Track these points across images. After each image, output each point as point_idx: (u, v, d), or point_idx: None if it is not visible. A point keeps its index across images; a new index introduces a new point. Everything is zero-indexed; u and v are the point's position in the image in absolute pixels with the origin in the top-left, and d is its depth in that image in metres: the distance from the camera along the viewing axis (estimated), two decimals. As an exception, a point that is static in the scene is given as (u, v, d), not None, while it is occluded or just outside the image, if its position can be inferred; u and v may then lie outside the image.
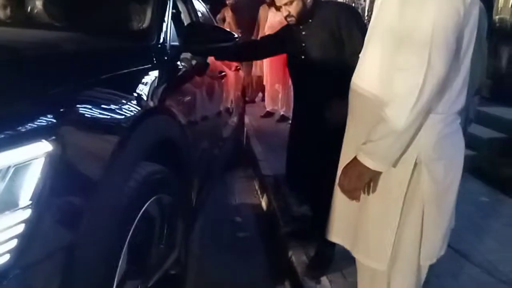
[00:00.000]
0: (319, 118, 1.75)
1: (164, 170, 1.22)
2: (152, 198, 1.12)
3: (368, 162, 1.03)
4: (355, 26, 1.68)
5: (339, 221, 1.24)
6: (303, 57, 1.77)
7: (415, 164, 1.06)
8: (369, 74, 1.11)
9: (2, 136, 0.69)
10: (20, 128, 0.72)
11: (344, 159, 1.17)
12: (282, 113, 4.56)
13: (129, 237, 0.97)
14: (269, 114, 4.76)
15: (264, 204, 2.76)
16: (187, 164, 1.52)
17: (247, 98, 4.29)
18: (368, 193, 1.10)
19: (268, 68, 4.60)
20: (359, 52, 1.17)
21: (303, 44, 1.76)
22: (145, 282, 1.11)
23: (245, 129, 3.83)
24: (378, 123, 1.01)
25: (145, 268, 1.13)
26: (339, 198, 1.20)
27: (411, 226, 1.10)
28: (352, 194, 1.09)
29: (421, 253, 1.13)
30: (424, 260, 1.15)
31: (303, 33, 1.76)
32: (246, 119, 3.94)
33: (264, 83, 4.83)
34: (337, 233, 1.26)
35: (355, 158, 1.06)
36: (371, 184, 1.09)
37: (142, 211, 1.05)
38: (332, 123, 1.60)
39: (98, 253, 0.86)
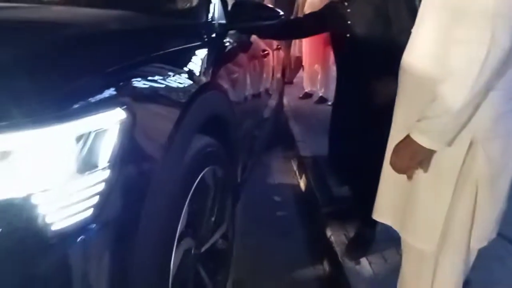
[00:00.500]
0: (364, 98, 1.72)
1: (216, 144, 1.27)
2: (207, 168, 1.19)
3: (423, 140, 1.00)
4: (402, 1, 1.63)
5: (387, 200, 1.22)
6: (348, 35, 1.73)
7: (470, 143, 1.01)
8: (423, 51, 1.06)
9: (82, 104, 0.75)
10: (98, 97, 0.78)
11: (393, 139, 1.14)
12: (320, 94, 4.49)
13: (189, 198, 1.05)
14: (307, 96, 4.70)
15: (302, 185, 2.78)
16: (235, 140, 1.56)
17: (285, 79, 4.27)
18: (420, 172, 1.08)
19: (307, 49, 4.50)
20: (408, 29, 1.13)
21: (348, 22, 1.71)
22: (198, 247, 1.19)
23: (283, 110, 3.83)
24: (434, 100, 0.97)
25: (199, 234, 1.20)
26: (387, 177, 1.18)
27: (463, 207, 1.06)
28: (404, 173, 1.08)
29: (472, 236, 1.09)
30: (475, 243, 1.11)
31: (348, 10, 1.71)
32: (285, 100, 3.93)
33: (303, 63, 4.77)
34: (384, 213, 1.24)
35: (408, 137, 1.03)
36: (423, 163, 1.06)
37: (199, 177, 1.12)
38: (377, 103, 1.58)
39: (164, 210, 0.94)
